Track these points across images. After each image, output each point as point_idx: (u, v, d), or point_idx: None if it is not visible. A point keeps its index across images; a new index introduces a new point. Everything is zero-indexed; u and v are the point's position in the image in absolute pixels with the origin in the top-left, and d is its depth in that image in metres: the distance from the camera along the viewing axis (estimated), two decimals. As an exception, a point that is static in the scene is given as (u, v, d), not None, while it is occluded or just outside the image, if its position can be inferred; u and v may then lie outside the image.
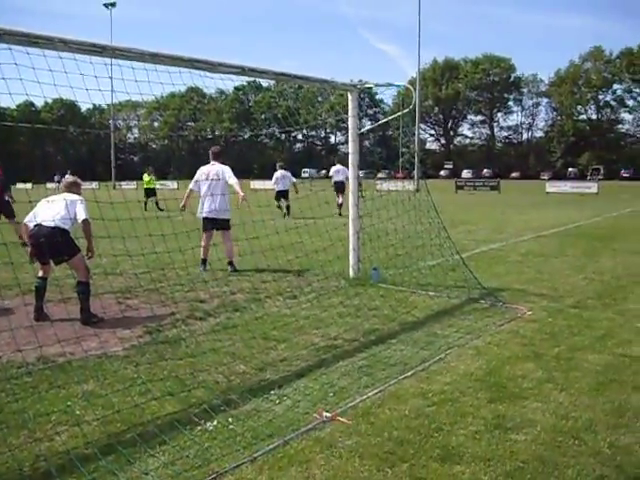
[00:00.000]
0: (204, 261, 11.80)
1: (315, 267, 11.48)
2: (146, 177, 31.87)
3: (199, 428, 4.87)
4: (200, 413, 5.12)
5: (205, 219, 11.80)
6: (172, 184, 67.78)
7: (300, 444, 4.59)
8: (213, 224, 11.79)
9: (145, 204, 28.06)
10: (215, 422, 4.96)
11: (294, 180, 24.64)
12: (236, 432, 4.78)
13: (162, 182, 73.35)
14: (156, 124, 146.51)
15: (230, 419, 5.02)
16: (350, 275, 10.93)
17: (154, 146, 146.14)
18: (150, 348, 6.99)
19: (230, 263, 11.82)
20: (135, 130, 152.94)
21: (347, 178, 25.27)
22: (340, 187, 24.89)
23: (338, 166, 25.84)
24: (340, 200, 23.87)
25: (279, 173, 24.74)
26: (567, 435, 4.72)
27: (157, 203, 29.67)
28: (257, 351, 6.84)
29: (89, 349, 6.87)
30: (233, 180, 11.79)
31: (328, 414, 5.02)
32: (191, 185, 12.10)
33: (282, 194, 24.44)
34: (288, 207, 23.79)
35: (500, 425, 4.90)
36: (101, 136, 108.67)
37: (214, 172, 11.83)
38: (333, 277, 10.95)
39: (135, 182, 66.86)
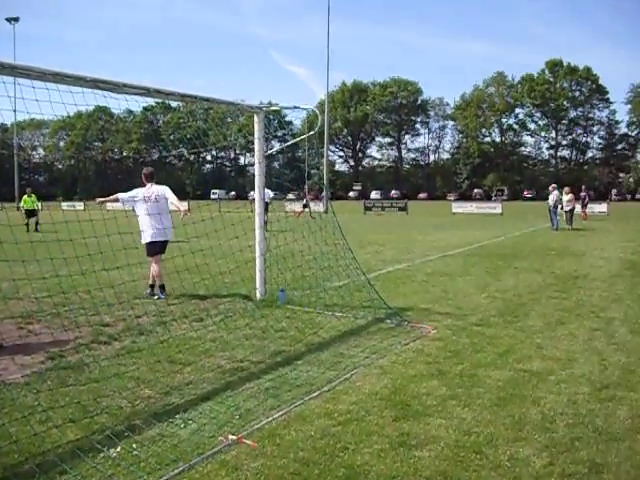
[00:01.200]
0: (162, 287, 11.32)
1: (221, 289, 11.40)
2: (26, 198, 31.21)
3: (102, 455, 4.76)
4: (103, 440, 5.00)
5: (154, 243, 11.19)
6: (79, 205, 65.87)
7: (205, 468, 4.55)
8: (161, 247, 11.27)
9: (27, 225, 27.36)
10: (119, 448, 4.86)
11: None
12: (140, 458, 4.69)
13: (69, 203, 71.78)
14: (62, 144, 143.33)
15: (134, 445, 4.93)
16: (257, 297, 10.90)
17: (60, 166, 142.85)
18: (52, 374, 6.80)
19: (152, 286, 11.42)
20: (40, 150, 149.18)
21: (270, 199, 27.83)
22: (265, 207, 25.72)
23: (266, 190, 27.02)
24: (265, 218, 24.83)
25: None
26: (469, 450, 4.83)
27: (37, 224, 28.36)
28: (162, 375, 6.75)
29: (-14, 377, 6.65)
30: (174, 198, 11.33)
31: (234, 437, 5.00)
32: (122, 195, 11.41)
33: None
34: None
35: (404, 443, 4.96)
36: (4, 155, 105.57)
37: (155, 194, 11.27)
38: (240, 299, 10.93)
39: (40, 203, 65.07)
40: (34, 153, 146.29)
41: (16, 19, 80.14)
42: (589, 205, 39.90)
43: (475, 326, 9.01)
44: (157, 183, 11.61)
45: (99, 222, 8.03)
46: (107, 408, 5.76)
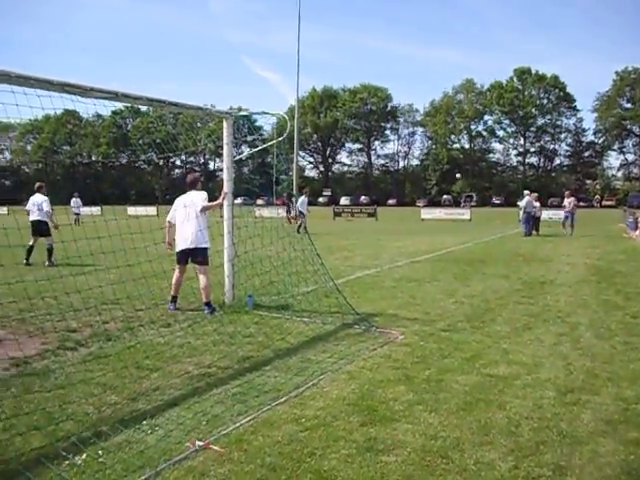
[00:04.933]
0: (174, 298, 10.90)
1: (189, 295, 11.31)
2: None
3: (67, 463, 4.71)
4: (68, 447, 4.95)
5: (180, 252, 10.66)
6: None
7: (172, 474, 4.54)
8: (188, 256, 10.66)
9: None
10: (84, 455, 4.81)
11: (50, 209, 17.62)
12: (106, 465, 4.65)
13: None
14: (29, 147, 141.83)
15: (100, 452, 4.88)
16: (225, 302, 10.89)
17: (27, 170, 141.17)
18: (16, 381, 6.72)
19: (207, 304, 10.59)
20: (7, 153, 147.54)
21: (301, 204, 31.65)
22: (301, 214, 31.11)
23: (303, 197, 32.62)
24: (299, 222, 28.86)
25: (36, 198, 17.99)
26: (436, 454, 4.86)
27: None
28: (129, 381, 6.70)
29: (-51, 384, 6.55)
30: (202, 205, 10.48)
31: (201, 443, 4.98)
32: (168, 217, 10.93)
33: (37, 227, 17.25)
34: (50, 249, 16.48)
35: (371, 448, 4.98)
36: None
37: (188, 200, 10.66)
38: (217, 309, 10.78)
39: (6, 207, 64.27)
40: (0, 157, 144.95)
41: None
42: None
43: (442, 332, 9.05)
44: (199, 190, 10.95)
45: (66, 227, 7.96)
46: (73, 415, 5.70)
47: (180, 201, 10.84)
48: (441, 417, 5.65)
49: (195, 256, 10.58)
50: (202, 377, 6.88)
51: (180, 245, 10.63)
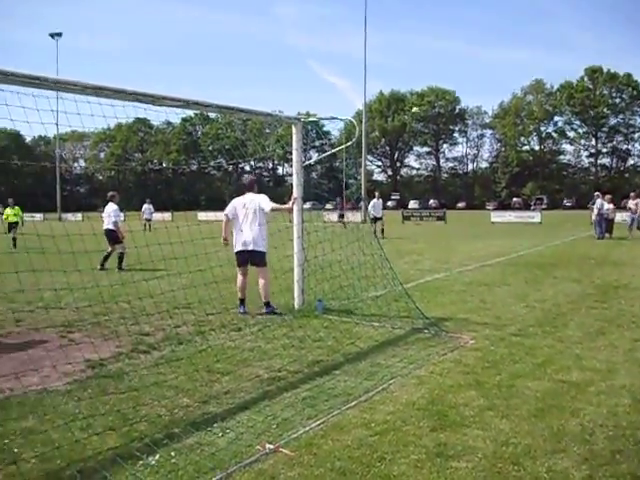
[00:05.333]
0: (242, 301, 11.02)
1: (258, 299, 11.36)
2: (9, 211, 28.43)
3: (141, 463, 4.81)
4: (142, 447, 5.06)
5: (239, 253, 10.83)
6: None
7: (242, 477, 4.58)
8: (247, 258, 10.82)
9: (14, 240, 25.65)
10: (157, 456, 4.91)
11: (118, 219, 17.98)
12: (178, 466, 4.73)
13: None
14: (102, 155, 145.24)
15: (172, 453, 4.97)
16: (295, 307, 10.94)
17: (100, 177, 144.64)
18: (92, 383, 6.90)
19: (267, 304, 10.85)
20: (81, 161, 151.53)
21: (373, 207, 32.01)
22: (379, 219, 32.01)
23: (375, 200, 32.90)
24: (380, 227, 30.56)
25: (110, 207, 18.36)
26: (507, 461, 4.79)
27: (14, 239, 25.96)
28: (200, 384, 6.80)
29: (29, 385, 6.75)
30: (271, 206, 10.67)
31: (271, 446, 5.01)
32: (226, 210, 11.09)
33: (109, 235, 17.62)
34: (121, 256, 16.99)
35: (442, 453, 4.94)
36: (47, 167, 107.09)
37: (249, 201, 10.82)
38: (278, 309, 10.93)
39: (81, 213, 66.09)
40: (75, 165, 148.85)
41: (59, 34, 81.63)
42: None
43: (513, 336, 8.93)
44: (256, 192, 11.14)
45: (138, 233, 8.12)
46: (146, 416, 5.82)
47: (239, 201, 10.98)
48: (512, 423, 5.57)
49: (253, 258, 10.75)
50: (272, 381, 6.93)
51: (239, 246, 10.78)
